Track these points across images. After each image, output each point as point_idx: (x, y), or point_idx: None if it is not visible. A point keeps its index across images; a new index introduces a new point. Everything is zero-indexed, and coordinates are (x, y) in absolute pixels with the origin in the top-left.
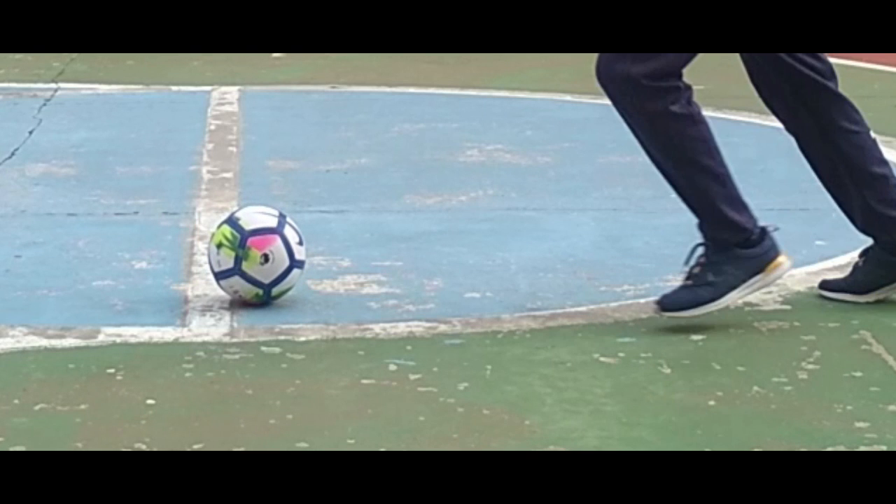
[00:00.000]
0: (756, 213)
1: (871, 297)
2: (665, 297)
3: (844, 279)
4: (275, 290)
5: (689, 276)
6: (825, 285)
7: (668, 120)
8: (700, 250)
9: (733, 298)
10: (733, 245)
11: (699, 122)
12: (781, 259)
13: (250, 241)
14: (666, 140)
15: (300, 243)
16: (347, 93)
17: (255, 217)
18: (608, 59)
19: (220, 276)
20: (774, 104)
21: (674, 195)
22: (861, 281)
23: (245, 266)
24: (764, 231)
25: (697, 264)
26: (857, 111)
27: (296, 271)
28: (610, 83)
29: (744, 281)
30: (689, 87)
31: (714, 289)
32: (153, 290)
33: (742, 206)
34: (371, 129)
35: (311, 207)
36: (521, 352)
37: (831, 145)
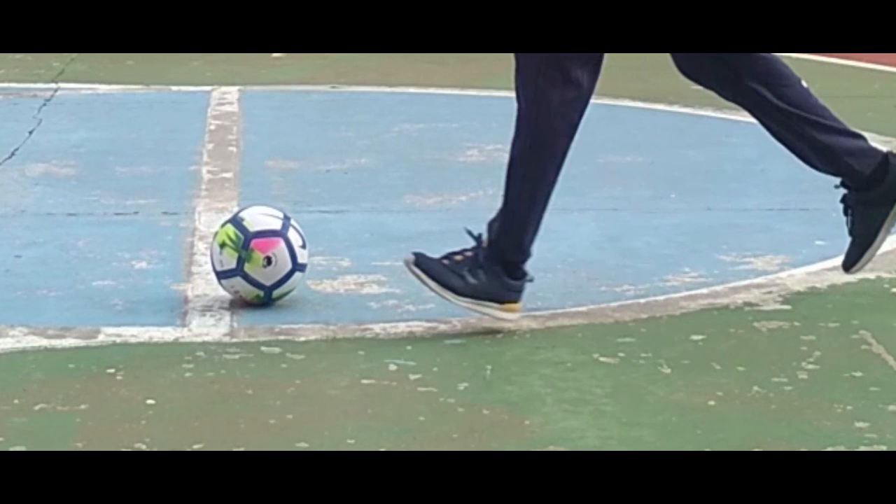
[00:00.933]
0: (756, 213)
1: (883, 236)
2: (423, 256)
3: (852, 246)
4: (276, 293)
5: (448, 258)
6: (846, 266)
7: (557, 117)
8: (472, 243)
9: (467, 305)
10: (504, 263)
11: (571, 137)
12: (518, 307)
13: (254, 242)
14: (540, 132)
15: (303, 246)
16: (347, 93)
17: (260, 218)
18: None
19: (221, 275)
20: (705, 80)
21: (674, 195)
22: (864, 232)
23: (247, 268)
24: (525, 274)
25: (461, 253)
26: (786, 66)
27: (297, 275)
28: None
29: (485, 299)
30: (587, 101)
31: (464, 285)
32: (153, 290)
33: (535, 237)
34: (371, 129)
35: (311, 207)
36: (521, 352)
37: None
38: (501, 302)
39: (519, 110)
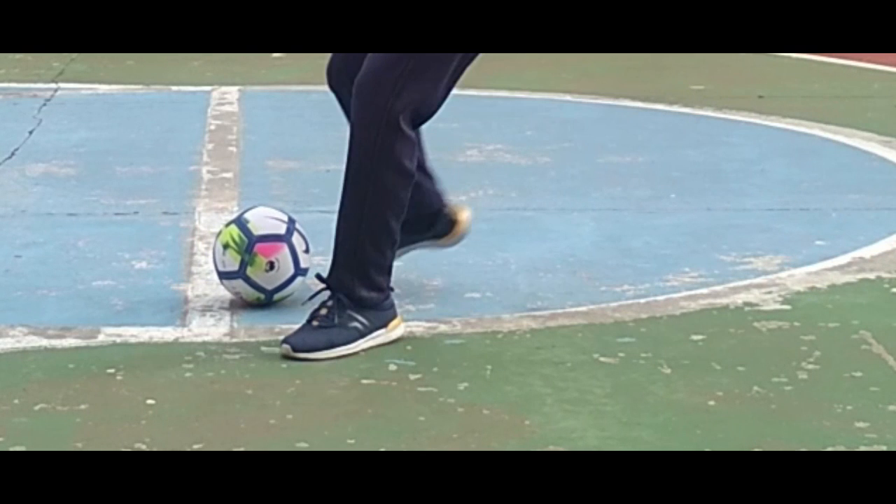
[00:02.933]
0: (756, 213)
1: None
2: (295, 338)
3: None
4: (276, 296)
5: (315, 318)
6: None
7: (395, 172)
8: (325, 294)
9: (360, 346)
10: (363, 305)
11: (411, 185)
12: (398, 321)
13: (258, 247)
14: (375, 185)
15: (306, 251)
16: None
17: (265, 221)
18: (375, 80)
19: (223, 275)
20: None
21: (674, 195)
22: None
23: (250, 271)
24: (390, 291)
25: (323, 307)
26: None
27: (299, 279)
28: (367, 107)
29: (370, 332)
30: (418, 144)
31: (347, 333)
32: (153, 290)
33: (390, 272)
34: None
35: (311, 207)
36: (521, 352)
37: None
38: (385, 326)
39: (353, 165)
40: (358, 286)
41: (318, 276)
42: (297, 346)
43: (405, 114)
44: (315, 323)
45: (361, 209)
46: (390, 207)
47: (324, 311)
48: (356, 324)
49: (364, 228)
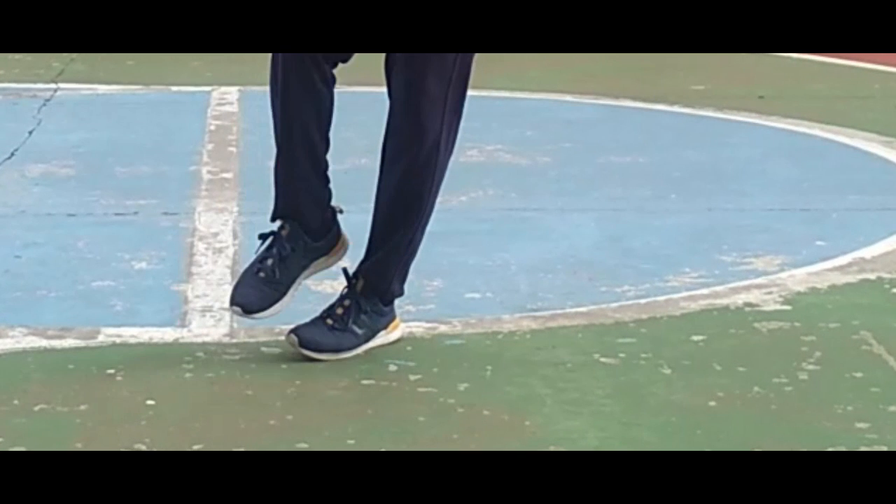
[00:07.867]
0: (756, 213)
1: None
2: (305, 332)
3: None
4: None
5: (329, 316)
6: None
7: (451, 155)
8: (344, 290)
9: (364, 349)
10: (389, 299)
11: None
12: (397, 322)
13: None
14: (440, 174)
15: None
16: (347, 93)
17: None
18: (427, 76)
19: None
20: None
21: (674, 195)
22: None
23: None
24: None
25: (339, 306)
26: None
27: None
28: (429, 95)
29: (375, 335)
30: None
31: (356, 338)
32: (153, 290)
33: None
34: (371, 129)
35: None
36: (521, 352)
37: None
38: (386, 328)
39: (417, 157)
40: (396, 280)
41: (345, 272)
42: (305, 342)
43: (463, 90)
44: (329, 321)
45: (425, 200)
46: (439, 192)
47: (339, 311)
48: (365, 329)
49: (424, 219)
